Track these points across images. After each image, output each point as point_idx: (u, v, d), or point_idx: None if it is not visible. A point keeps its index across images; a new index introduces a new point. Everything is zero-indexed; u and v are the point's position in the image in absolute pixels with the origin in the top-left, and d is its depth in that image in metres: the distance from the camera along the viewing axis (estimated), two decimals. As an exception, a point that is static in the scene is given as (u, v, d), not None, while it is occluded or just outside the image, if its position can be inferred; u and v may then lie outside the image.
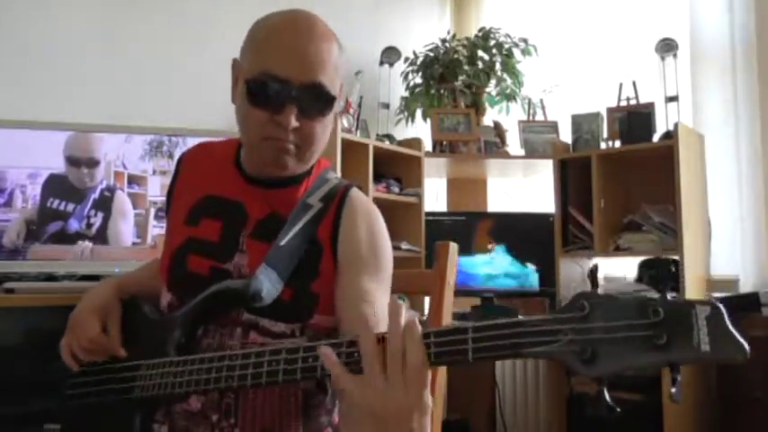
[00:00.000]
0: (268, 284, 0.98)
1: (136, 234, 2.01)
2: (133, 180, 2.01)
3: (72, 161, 1.95)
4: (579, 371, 0.62)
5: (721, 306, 0.60)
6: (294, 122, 0.97)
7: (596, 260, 2.83)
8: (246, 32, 1.05)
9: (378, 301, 0.99)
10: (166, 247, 1.13)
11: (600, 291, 0.66)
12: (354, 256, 1.03)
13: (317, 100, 0.99)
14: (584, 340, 0.63)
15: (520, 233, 2.91)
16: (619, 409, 0.62)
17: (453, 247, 1.22)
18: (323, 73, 0.98)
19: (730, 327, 0.58)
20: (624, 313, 0.62)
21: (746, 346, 0.58)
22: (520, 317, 0.68)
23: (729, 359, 0.58)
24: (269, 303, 0.99)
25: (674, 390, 0.62)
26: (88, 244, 1.95)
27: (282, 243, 1.01)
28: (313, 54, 0.98)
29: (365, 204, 1.10)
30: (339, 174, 2.31)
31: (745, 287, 2.52)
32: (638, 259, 2.64)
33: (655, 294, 0.63)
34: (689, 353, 0.59)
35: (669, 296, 0.62)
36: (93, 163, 1.97)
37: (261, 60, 0.98)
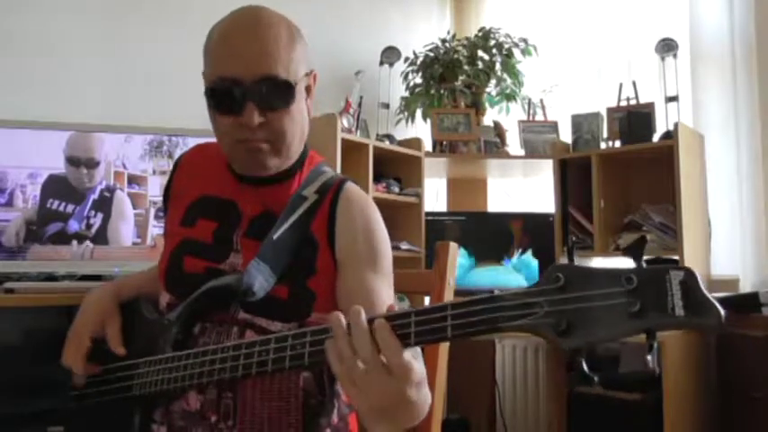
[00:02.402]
0: (260, 278, 0.98)
1: (136, 234, 2.01)
2: (133, 180, 2.01)
3: (72, 161, 1.95)
4: (557, 343, 0.62)
5: (695, 271, 0.59)
6: (257, 119, 0.96)
7: (596, 260, 2.83)
8: None
9: (381, 294, 1.00)
10: (164, 249, 1.13)
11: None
12: (354, 252, 1.03)
13: (275, 91, 0.97)
14: (559, 311, 0.63)
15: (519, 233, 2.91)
16: (597, 379, 0.62)
17: (453, 247, 1.22)
18: (273, 63, 0.97)
19: (705, 291, 0.58)
20: (598, 283, 0.62)
21: (722, 310, 0.57)
22: (496, 291, 0.69)
23: (704, 324, 0.57)
24: (266, 301, 0.99)
25: (649, 357, 0.61)
26: (89, 244, 1.95)
27: (275, 237, 1.01)
28: (258, 47, 0.96)
29: (360, 197, 1.09)
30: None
31: (745, 287, 2.52)
32: (638, 259, 2.64)
33: (625, 255, 0.63)
34: (663, 318, 0.58)
35: (644, 264, 0.61)
36: (92, 164, 1.97)
37: (212, 66, 0.99)
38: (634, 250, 0.62)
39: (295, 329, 1.01)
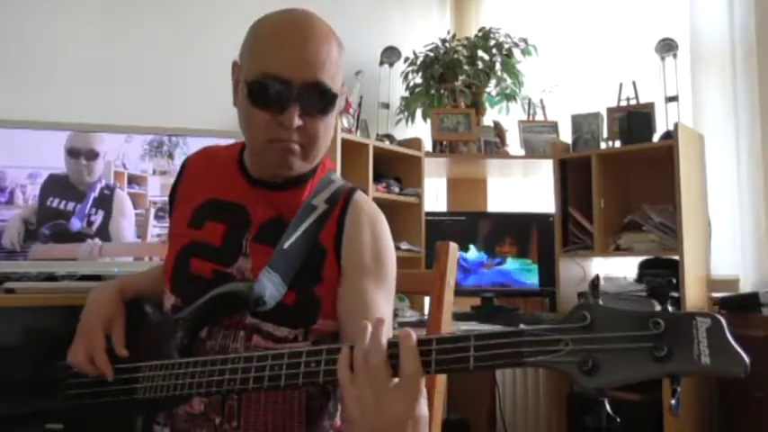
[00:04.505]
0: (271, 288, 0.98)
1: (136, 234, 2.01)
2: (133, 180, 2.01)
3: (72, 153, 1.95)
4: (580, 381, 0.63)
5: (722, 318, 0.60)
6: (297, 122, 0.97)
7: (596, 260, 2.83)
8: (246, 33, 1.04)
9: (380, 308, 0.99)
10: (170, 250, 1.13)
11: (601, 302, 0.66)
12: (358, 262, 1.03)
13: (319, 98, 0.99)
14: (584, 350, 0.63)
15: (520, 233, 2.91)
16: (619, 420, 0.62)
17: (453, 247, 1.23)
18: (323, 71, 0.98)
19: (731, 339, 0.59)
20: (625, 325, 0.62)
21: (746, 359, 0.58)
22: (522, 326, 0.69)
23: (729, 372, 0.59)
24: (273, 307, 0.99)
25: (673, 402, 0.62)
26: (97, 242, 1.95)
27: (285, 246, 1.01)
28: (313, 53, 0.98)
29: (370, 208, 1.09)
30: (339, 174, 2.32)
31: (745, 287, 2.52)
32: (638, 259, 2.64)
33: (651, 296, 0.64)
34: (689, 365, 0.59)
35: (670, 308, 0.62)
36: (92, 155, 1.97)
37: (261, 62, 0.98)
38: (660, 293, 0.64)
39: (301, 336, 1.01)
